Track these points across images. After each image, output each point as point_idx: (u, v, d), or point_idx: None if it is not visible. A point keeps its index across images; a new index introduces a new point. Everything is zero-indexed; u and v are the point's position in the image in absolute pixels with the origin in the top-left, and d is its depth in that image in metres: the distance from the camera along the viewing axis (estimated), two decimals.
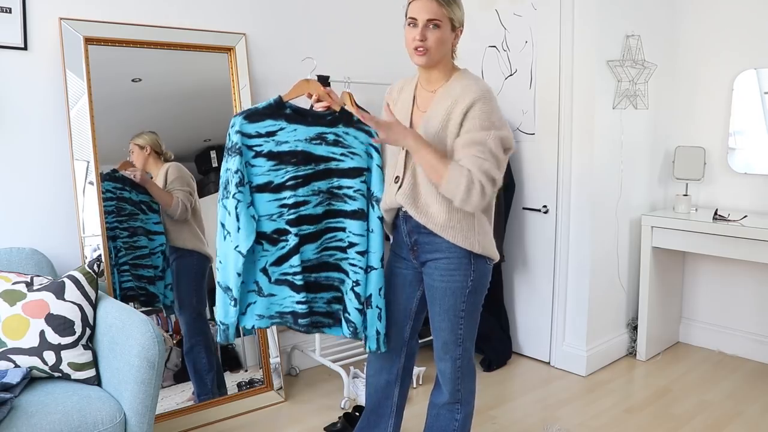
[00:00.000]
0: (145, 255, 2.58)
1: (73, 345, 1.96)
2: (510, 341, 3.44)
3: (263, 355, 2.85)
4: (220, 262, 1.90)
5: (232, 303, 1.90)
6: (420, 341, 2.50)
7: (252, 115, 1.90)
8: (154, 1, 2.63)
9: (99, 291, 2.12)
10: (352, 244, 1.98)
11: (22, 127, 2.35)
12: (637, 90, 3.24)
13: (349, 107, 2.77)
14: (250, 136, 1.89)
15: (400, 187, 1.88)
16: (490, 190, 1.73)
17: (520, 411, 2.83)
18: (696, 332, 3.66)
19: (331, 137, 1.97)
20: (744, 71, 3.31)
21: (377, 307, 1.98)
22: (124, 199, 2.54)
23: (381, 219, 1.98)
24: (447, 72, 1.89)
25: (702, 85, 3.48)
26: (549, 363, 3.36)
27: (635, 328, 3.45)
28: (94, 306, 2.06)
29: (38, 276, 2.09)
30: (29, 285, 2.00)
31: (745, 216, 3.12)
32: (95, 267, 2.10)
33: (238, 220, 1.85)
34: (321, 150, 1.96)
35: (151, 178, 2.63)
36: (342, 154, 1.98)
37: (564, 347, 3.30)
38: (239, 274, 1.88)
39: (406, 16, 1.84)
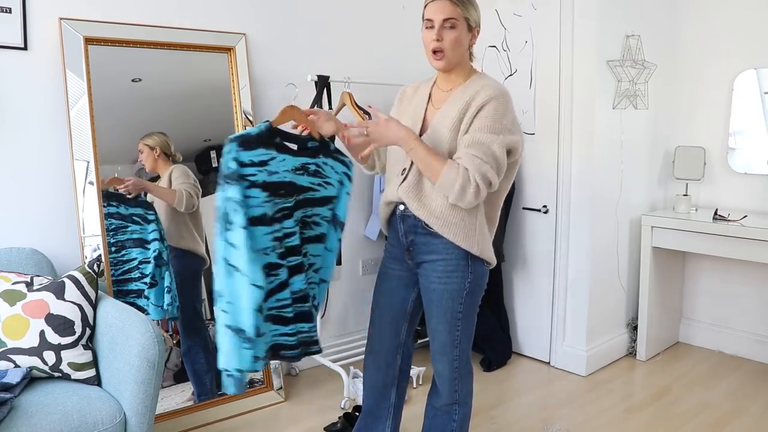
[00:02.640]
0: (133, 268, 2.52)
1: (73, 345, 1.96)
2: (510, 341, 3.43)
3: None
4: (229, 302, 1.72)
5: (247, 345, 1.73)
6: (419, 341, 2.51)
7: (246, 142, 1.76)
8: (154, 1, 2.63)
9: (99, 291, 2.12)
10: (311, 265, 2.00)
11: (22, 127, 2.35)
12: (637, 90, 3.24)
13: (349, 107, 2.77)
14: (244, 165, 1.75)
15: (404, 179, 1.87)
16: (485, 191, 1.75)
17: (520, 411, 2.83)
18: (696, 332, 3.66)
19: (312, 168, 1.95)
20: (744, 71, 3.31)
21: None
22: (111, 215, 2.48)
23: (340, 241, 2.05)
24: (465, 73, 1.89)
25: (702, 85, 3.48)
26: (549, 363, 3.36)
27: (635, 328, 3.45)
28: (94, 306, 2.06)
29: (38, 276, 2.09)
30: (29, 285, 2.00)
31: (745, 216, 3.12)
32: (95, 267, 2.10)
33: (247, 252, 1.72)
34: (303, 180, 1.93)
35: (158, 178, 2.63)
36: (318, 184, 1.97)
37: (564, 347, 3.30)
38: (259, 310, 1.75)
39: (423, 18, 1.83)
